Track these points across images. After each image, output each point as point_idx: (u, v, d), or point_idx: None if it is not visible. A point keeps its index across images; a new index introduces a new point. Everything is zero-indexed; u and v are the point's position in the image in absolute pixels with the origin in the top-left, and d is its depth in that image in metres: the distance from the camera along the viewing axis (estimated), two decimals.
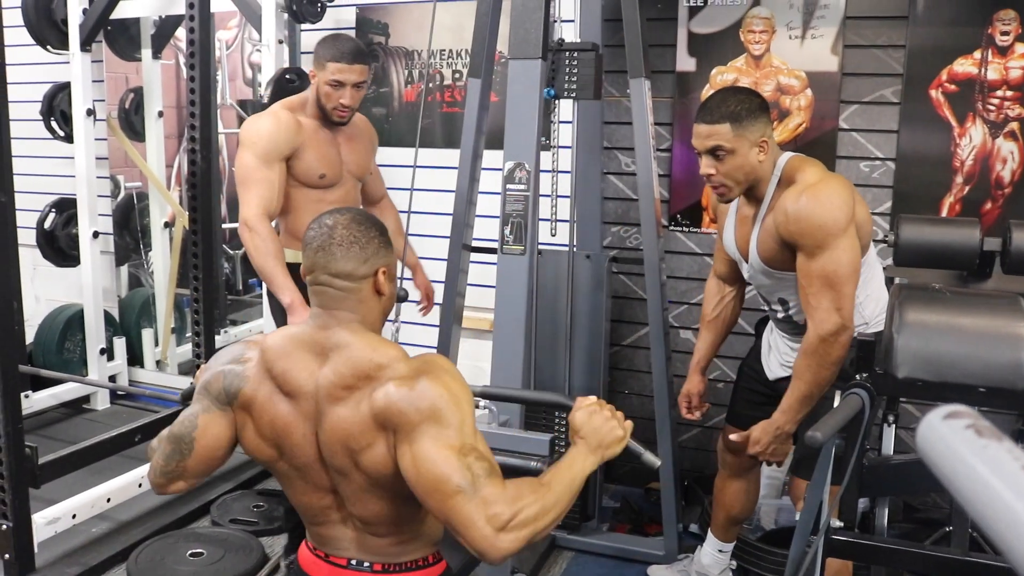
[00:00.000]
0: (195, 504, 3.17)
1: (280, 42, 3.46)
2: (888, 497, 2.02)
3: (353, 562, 1.58)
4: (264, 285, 2.89)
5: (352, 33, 3.58)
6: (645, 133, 2.71)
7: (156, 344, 4.31)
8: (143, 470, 3.08)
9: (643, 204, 2.78)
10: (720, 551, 2.68)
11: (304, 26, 3.64)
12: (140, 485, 3.04)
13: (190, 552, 2.80)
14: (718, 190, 2.17)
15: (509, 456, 2.27)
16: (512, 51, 2.50)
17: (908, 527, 2.95)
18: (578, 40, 3.03)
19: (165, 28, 4.13)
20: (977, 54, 2.88)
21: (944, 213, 2.98)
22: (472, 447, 1.41)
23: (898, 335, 1.63)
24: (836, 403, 1.88)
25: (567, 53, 2.74)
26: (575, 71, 2.74)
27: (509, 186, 2.54)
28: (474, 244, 2.88)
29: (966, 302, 1.67)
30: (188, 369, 4.44)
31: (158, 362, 4.31)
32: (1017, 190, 2.90)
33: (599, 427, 1.55)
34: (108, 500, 2.92)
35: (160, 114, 4.17)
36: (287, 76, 3.35)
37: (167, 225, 4.27)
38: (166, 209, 4.26)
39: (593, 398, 1.60)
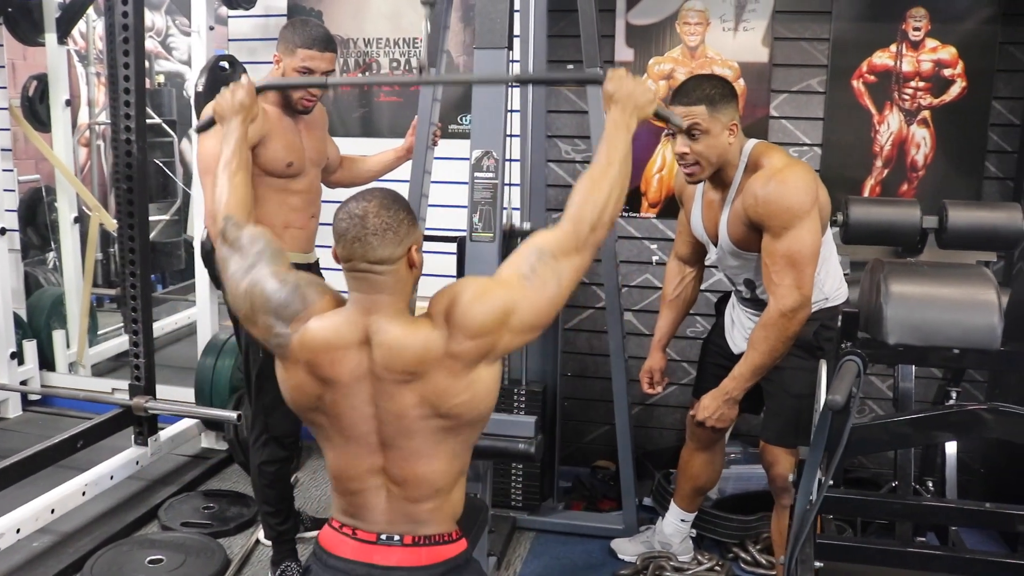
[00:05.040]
0: (141, 510, 3.05)
1: (211, 28, 3.34)
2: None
3: (383, 536, 1.61)
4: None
5: (284, 20, 3.49)
6: (601, 122, 2.79)
7: (68, 346, 4.08)
8: (85, 478, 2.95)
9: None
10: (683, 520, 2.81)
11: (232, 13, 3.53)
12: (84, 493, 2.89)
13: (148, 559, 2.70)
14: (689, 169, 2.28)
15: (496, 440, 2.33)
16: (478, 40, 2.52)
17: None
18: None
19: (71, 11, 3.90)
20: (893, 47, 3.11)
21: (866, 194, 3.21)
22: (521, 275, 1.55)
23: (886, 305, 1.78)
24: (822, 373, 2.03)
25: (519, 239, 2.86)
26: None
27: (477, 174, 2.56)
28: (429, 234, 2.89)
29: (941, 273, 1.84)
30: (104, 371, 4.24)
31: (71, 364, 4.09)
32: (929, 172, 3.17)
33: (632, 91, 1.72)
34: (52, 511, 2.77)
35: (68, 103, 3.94)
36: (220, 64, 3.25)
37: (77, 220, 4.05)
38: (75, 203, 4.03)
39: (623, 69, 1.75)
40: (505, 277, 1.56)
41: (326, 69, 2.45)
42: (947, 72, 3.09)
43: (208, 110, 2.04)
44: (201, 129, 2.15)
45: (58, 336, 4.05)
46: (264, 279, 1.61)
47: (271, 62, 2.50)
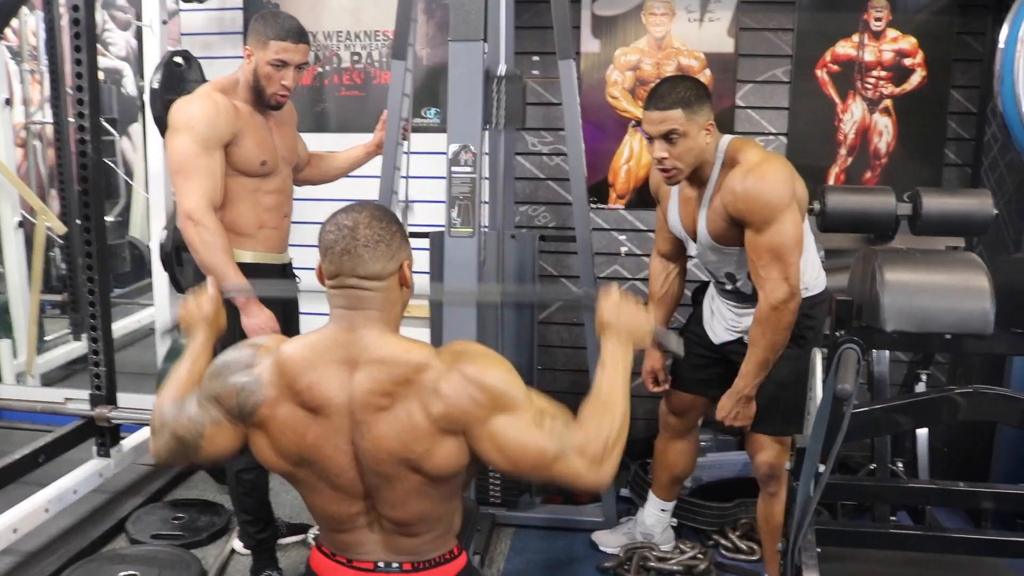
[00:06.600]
0: (107, 524, 2.93)
1: (164, 23, 3.22)
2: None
3: (380, 564, 1.55)
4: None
5: (240, 14, 3.39)
6: (574, 113, 2.78)
7: (15, 356, 3.91)
8: (47, 493, 2.80)
9: (574, 182, 2.85)
10: (662, 510, 2.82)
11: (185, 6, 3.40)
12: (47, 510, 2.76)
13: (122, 575, 2.60)
14: (668, 173, 2.26)
15: None
16: (453, 33, 2.47)
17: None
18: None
19: (6, 7, 3.70)
20: (856, 37, 3.17)
21: (831, 182, 3.26)
22: (540, 410, 1.44)
23: (883, 293, 1.79)
24: (817, 361, 2.05)
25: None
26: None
27: (454, 169, 2.51)
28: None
29: (933, 260, 1.86)
30: (54, 380, 4.08)
31: (19, 375, 3.92)
32: (891, 160, 3.23)
33: (628, 320, 1.59)
34: (15, 531, 2.63)
35: (7, 102, 3.76)
36: (175, 60, 3.13)
37: (21, 224, 3.87)
38: (18, 206, 3.86)
39: (615, 289, 1.62)
40: (527, 412, 1.42)
41: (300, 61, 2.38)
42: (907, 61, 3.15)
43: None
44: (167, 333, 2.04)
45: (3, 346, 3.87)
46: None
47: (227, 56, 2.42)
